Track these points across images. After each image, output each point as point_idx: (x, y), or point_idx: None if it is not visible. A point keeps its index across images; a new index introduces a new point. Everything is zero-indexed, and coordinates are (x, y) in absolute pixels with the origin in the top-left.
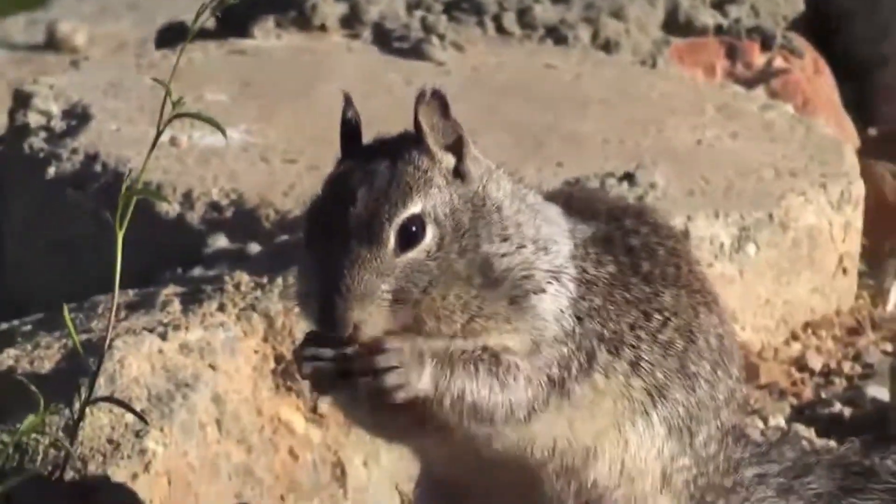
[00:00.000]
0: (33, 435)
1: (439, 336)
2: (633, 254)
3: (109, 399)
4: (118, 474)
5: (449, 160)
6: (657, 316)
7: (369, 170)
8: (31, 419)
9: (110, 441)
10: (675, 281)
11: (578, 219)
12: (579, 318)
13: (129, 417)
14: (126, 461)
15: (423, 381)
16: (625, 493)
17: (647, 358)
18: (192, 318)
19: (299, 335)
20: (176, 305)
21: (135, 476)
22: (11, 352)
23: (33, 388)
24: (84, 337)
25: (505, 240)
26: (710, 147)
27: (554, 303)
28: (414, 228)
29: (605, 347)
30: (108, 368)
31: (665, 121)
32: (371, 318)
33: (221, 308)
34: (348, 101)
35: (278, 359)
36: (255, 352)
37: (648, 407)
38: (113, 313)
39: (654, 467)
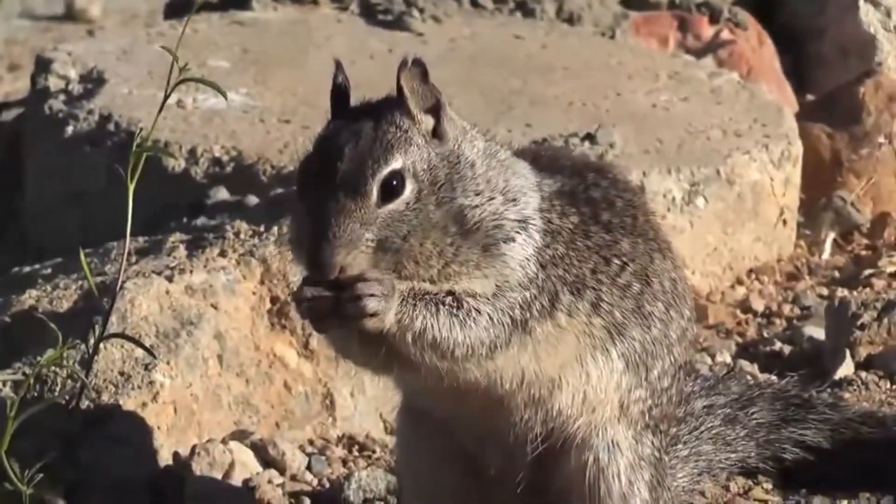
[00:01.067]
0: (52, 367)
1: (415, 279)
2: (594, 205)
3: (121, 335)
4: (129, 403)
5: (428, 122)
6: (616, 261)
7: (355, 129)
8: (50, 353)
9: (122, 373)
10: (632, 230)
11: (545, 174)
12: (542, 266)
13: (139, 352)
14: (136, 391)
15: (389, 315)
16: (586, 420)
17: (606, 299)
18: (196, 262)
19: (293, 279)
20: (181, 251)
21: (144, 405)
22: (33, 292)
23: (52, 325)
24: (98, 279)
25: (477, 193)
26: (663, 110)
27: (521, 251)
28: (395, 182)
29: (567, 290)
30: (119, 308)
31: (623, 86)
32: (355, 262)
33: (223, 254)
34: (339, 67)
35: (274, 300)
36: (253, 293)
37: (608, 343)
38: (125, 258)
39: (612, 398)
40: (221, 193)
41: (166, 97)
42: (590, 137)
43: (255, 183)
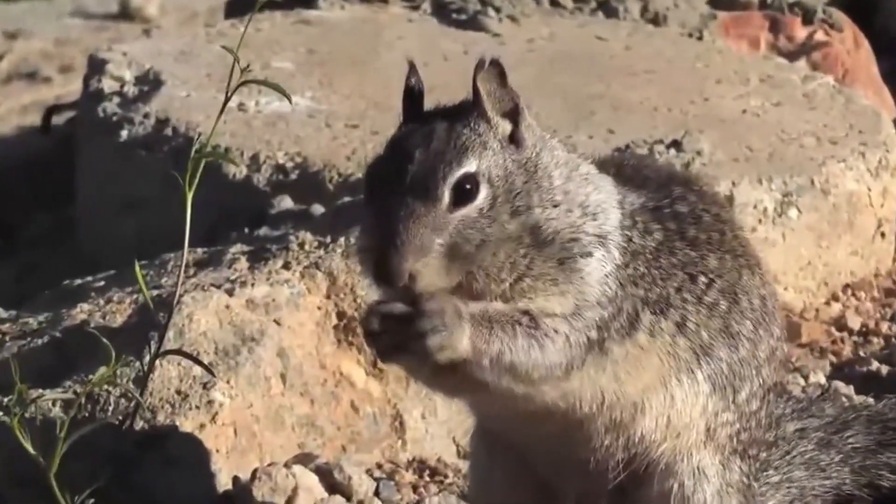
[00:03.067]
0: (105, 386)
1: (487, 294)
2: (680, 220)
3: (178, 352)
4: (186, 424)
5: (505, 126)
6: (702, 278)
7: (428, 131)
8: (102, 371)
9: (179, 392)
10: (719, 245)
11: (629, 188)
12: (622, 284)
13: (197, 370)
14: (194, 412)
15: (462, 343)
16: (670, 446)
17: (692, 319)
18: (259, 275)
19: (361, 293)
20: (243, 263)
21: (202, 426)
22: (85, 306)
23: (105, 340)
24: (154, 292)
25: (555, 205)
26: (754, 116)
27: (600, 267)
28: (468, 186)
29: (649, 309)
30: (177, 323)
31: (711, 90)
32: (425, 270)
33: (286, 266)
34: (412, 68)
35: (340, 315)
36: (318, 308)
37: (693, 365)
38: (182, 270)
39: (698, 422)
40: (285, 202)
41: (227, 100)
42: (676, 144)
43: (320, 191)
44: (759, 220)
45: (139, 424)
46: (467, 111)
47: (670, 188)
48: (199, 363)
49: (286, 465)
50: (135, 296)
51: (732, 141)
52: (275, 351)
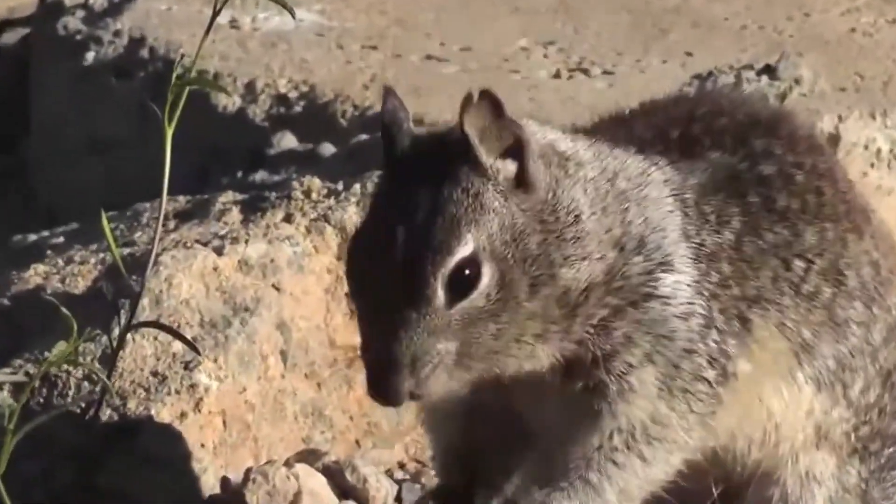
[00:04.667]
0: (64, 366)
1: (525, 378)
2: (766, 187)
3: (155, 324)
4: (164, 413)
5: (507, 169)
6: (798, 262)
7: (411, 199)
8: (61, 347)
9: (155, 374)
10: (817, 212)
11: (692, 161)
12: (713, 296)
13: (178, 346)
14: (173, 397)
15: None
16: (770, 454)
17: (791, 316)
18: (254, 229)
19: None
20: (234, 215)
21: (183, 415)
22: (40, 268)
23: (65, 310)
24: (126, 251)
25: (583, 258)
26: (865, 35)
27: (670, 302)
28: (467, 272)
29: (754, 310)
30: (153, 288)
31: (812, 4)
32: (428, 384)
33: (288, 219)
34: (388, 92)
35: None
36: (328, 271)
37: (794, 370)
38: (160, 223)
39: (805, 426)
40: (287, 140)
41: (215, 14)
42: (769, 70)
43: (330, 127)
44: (871, 164)
45: (106, 413)
46: (457, 157)
47: (750, 141)
48: (181, 338)
49: (287, 464)
50: (101, 255)
51: (838, 66)
52: (273, 323)
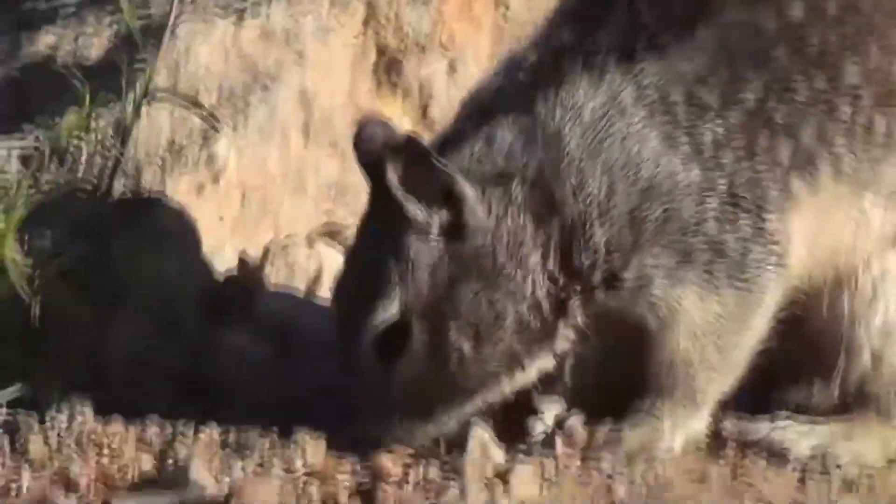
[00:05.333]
0: (75, 135)
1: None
2: (793, 31)
3: (171, 94)
4: (180, 186)
5: (442, 216)
6: (844, 106)
7: (355, 262)
8: (72, 116)
9: (171, 145)
10: (856, 37)
11: (679, 46)
12: (733, 173)
13: (195, 118)
14: (190, 170)
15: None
16: (850, 264)
17: (847, 161)
18: None
19: (408, 22)
20: None
21: (201, 188)
22: (50, 35)
23: (78, 77)
24: (141, 19)
25: (533, 281)
26: None
27: (674, 204)
28: (395, 334)
29: (793, 174)
30: (170, 57)
31: None
32: (409, 437)
33: None
34: (357, 133)
35: (381, 50)
36: (354, 39)
37: (859, 202)
38: None
39: (878, 238)
40: None
41: None
42: None
43: None
44: None
45: (119, 186)
46: (389, 216)
47: None
48: (199, 108)
49: (308, 240)
50: (115, 22)
51: None
52: (296, 94)
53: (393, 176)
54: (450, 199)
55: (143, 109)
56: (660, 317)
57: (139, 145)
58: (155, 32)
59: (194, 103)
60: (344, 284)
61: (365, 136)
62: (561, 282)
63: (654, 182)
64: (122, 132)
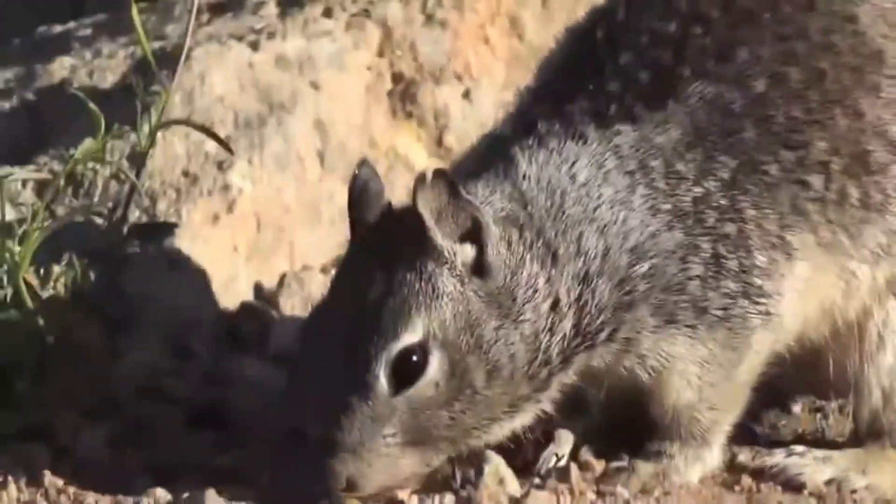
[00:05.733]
0: (91, 163)
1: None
2: (761, 105)
3: (186, 122)
4: (195, 214)
5: (466, 253)
6: (816, 181)
7: (366, 278)
8: (88, 144)
9: (186, 174)
10: (818, 82)
11: (655, 118)
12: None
13: (211, 145)
14: (205, 199)
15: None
16: (848, 319)
17: (824, 229)
18: (291, 24)
19: (423, 50)
20: (272, 8)
21: (215, 217)
22: (66, 60)
23: (92, 105)
24: (157, 45)
25: (548, 329)
26: None
27: (656, 267)
28: (414, 359)
29: (770, 244)
30: (185, 84)
31: None
32: (370, 471)
33: (328, 13)
34: (362, 165)
35: (397, 78)
36: (369, 68)
37: (844, 263)
38: (193, 15)
39: (872, 290)
40: None
41: None
42: None
43: None
44: None
45: (134, 214)
46: (414, 242)
47: (734, 52)
48: (214, 136)
49: (323, 271)
50: (131, 48)
51: None
52: (311, 122)
53: (424, 207)
54: (474, 235)
55: (158, 137)
56: (653, 370)
57: (154, 174)
58: (170, 59)
59: (209, 132)
60: (346, 314)
61: (361, 178)
62: (568, 337)
63: (642, 245)
64: (137, 160)
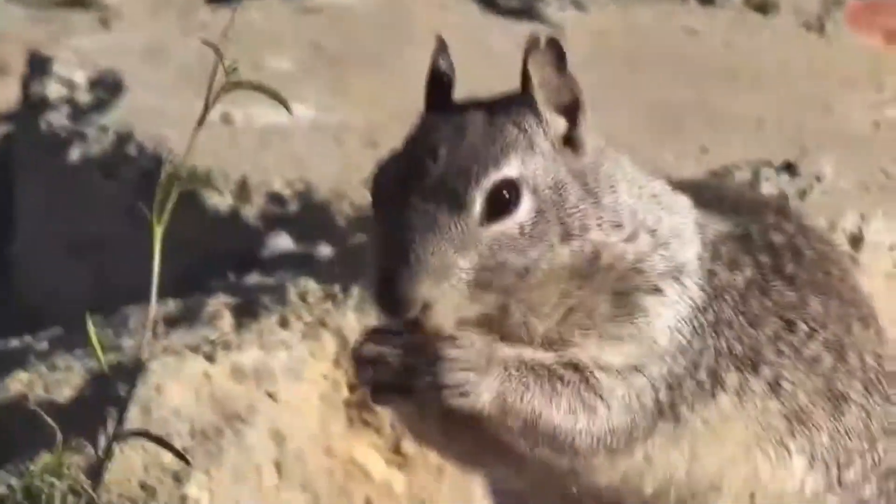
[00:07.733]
0: (48, 477)
1: (523, 334)
2: (775, 253)
3: (143, 434)
4: None
5: (559, 124)
6: (802, 326)
7: (459, 122)
8: (45, 458)
9: (143, 486)
10: (825, 288)
11: (710, 212)
12: (699, 333)
13: (168, 457)
14: None
15: (484, 394)
16: None
17: (788, 377)
18: (248, 335)
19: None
20: (227, 319)
21: None
22: (23, 375)
23: (49, 419)
24: (113, 357)
25: (617, 226)
26: (891, 130)
27: (670, 309)
28: (507, 194)
29: (735, 366)
30: (142, 396)
31: (835, 98)
32: (444, 299)
33: (283, 323)
34: (442, 46)
35: (353, 387)
36: (325, 377)
37: (786, 435)
38: (149, 328)
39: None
40: (282, 241)
41: (207, 110)
42: (789, 168)
43: (328, 228)
44: None
45: None
46: (513, 101)
47: (763, 214)
48: (171, 448)
49: None
50: (87, 361)
51: (862, 163)
52: (268, 432)
53: (534, 69)
54: (570, 110)
55: (116, 448)
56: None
57: (112, 486)
58: (126, 371)
59: (166, 444)
60: (439, 149)
61: (441, 56)
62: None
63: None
64: (94, 473)
